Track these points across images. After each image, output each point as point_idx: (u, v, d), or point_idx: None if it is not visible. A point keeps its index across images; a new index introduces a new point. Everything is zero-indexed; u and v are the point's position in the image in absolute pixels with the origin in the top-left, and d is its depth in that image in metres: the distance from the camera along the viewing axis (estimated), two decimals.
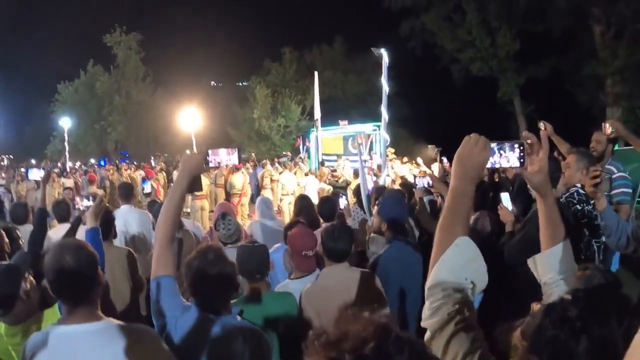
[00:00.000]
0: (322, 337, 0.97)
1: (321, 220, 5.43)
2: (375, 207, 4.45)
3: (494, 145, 1.87)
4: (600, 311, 1.23)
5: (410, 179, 10.96)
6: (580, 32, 23.06)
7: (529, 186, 1.94)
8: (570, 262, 1.90)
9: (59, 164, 29.85)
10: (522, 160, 1.88)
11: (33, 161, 41.20)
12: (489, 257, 3.89)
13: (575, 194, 4.09)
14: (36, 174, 6.16)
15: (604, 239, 4.00)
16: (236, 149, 2.81)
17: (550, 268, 1.89)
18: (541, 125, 5.87)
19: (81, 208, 4.34)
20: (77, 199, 4.48)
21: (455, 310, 1.57)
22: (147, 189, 6.15)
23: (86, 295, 2.20)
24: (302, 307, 3.38)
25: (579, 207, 4.06)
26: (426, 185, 5.25)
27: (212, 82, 52.88)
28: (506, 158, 1.91)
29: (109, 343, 2.11)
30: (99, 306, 2.27)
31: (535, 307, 1.52)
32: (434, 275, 1.65)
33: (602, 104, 22.28)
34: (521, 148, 1.88)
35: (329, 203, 5.68)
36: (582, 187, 4.21)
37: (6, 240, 4.22)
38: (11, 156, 50.13)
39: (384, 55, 9.96)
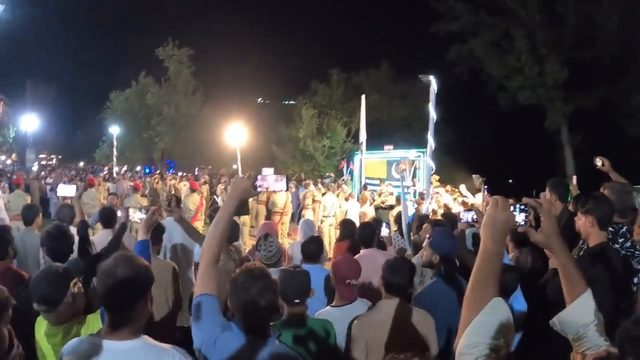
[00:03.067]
0: None
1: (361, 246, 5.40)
2: (426, 240, 4.41)
3: None
4: None
5: (454, 208, 10.87)
6: (631, 61, 22.63)
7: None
8: (593, 313, 1.93)
9: (106, 169, 30.69)
10: (525, 221, 2.11)
11: (81, 164, 42.57)
12: (529, 293, 3.87)
13: None
14: (64, 190, 6.13)
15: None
16: (285, 176, 2.87)
17: (573, 325, 1.94)
18: (598, 161, 5.69)
19: (133, 220, 4.46)
20: (131, 210, 4.59)
21: None
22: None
23: (133, 310, 2.25)
24: (351, 335, 3.38)
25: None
26: (470, 220, 5.21)
27: (259, 99, 53.51)
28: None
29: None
30: (142, 325, 2.33)
31: (576, 356, 1.52)
32: (470, 336, 1.67)
33: None
34: (526, 209, 2.10)
35: (369, 229, 5.60)
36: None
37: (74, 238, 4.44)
38: (60, 156, 51.81)
39: (433, 82, 9.92)
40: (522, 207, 2.10)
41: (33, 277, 3.01)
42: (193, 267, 5.99)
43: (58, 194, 6.34)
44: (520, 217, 2.08)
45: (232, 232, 4.79)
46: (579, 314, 1.93)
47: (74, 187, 5.92)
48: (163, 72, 42.50)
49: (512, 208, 2.04)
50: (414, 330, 3.39)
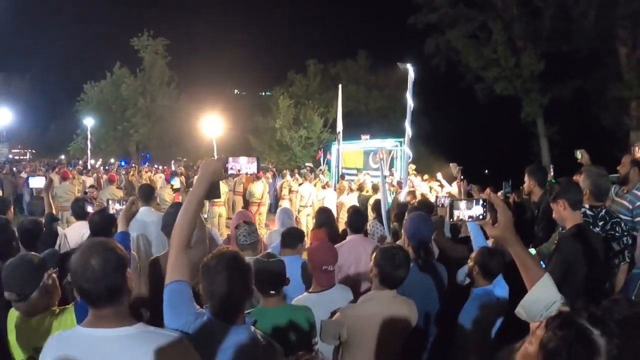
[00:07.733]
0: None
1: (348, 231, 5.26)
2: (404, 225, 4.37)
3: (462, 201, 2.38)
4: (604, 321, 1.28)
5: (430, 196, 10.87)
6: (606, 54, 22.91)
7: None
8: (555, 293, 2.10)
9: (81, 162, 30.34)
10: (484, 214, 2.32)
11: (63, 157, 41.96)
12: (516, 281, 3.84)
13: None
14: (36, 182, 6.14)
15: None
16: (256, 158, 2.77)
17: (536, 306, 2.08)
18: (578, 154, 5.72)
19: (112, 211, 4.41)
20: (110, 202, 4.53)
21: None
22: (177, 184, 6.10)
23: (115, 299, 2.09)
24: (338, 322, 3.29)
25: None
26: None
27: (236, 91, 53.28)
28: (472, 212, 2.34)
29: (141, 347, 2.02)
30: (128, 310, 2.17)
31: (534, 325, 1.61)
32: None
33: (627, 127, 22.04)
34: (484, 204, 2.31)
35: (360, 215, 5.43)
36: (590, 208, 4.13)
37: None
38: (33, 150, 51.04)
39: (410, 70, 9.85)
40: (481, 201, 2.33)
41: (5, 265, 2.90)
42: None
43: (30, 186, 6.29)
44: (479, 210, 2.31)
45: None
46: (541, 295, 2.08)
47: (43, 178, 5.87)
48: (138, 62, 42.07)
49: (474, 202, 2.33)
50: (405, 321, 3.35)
